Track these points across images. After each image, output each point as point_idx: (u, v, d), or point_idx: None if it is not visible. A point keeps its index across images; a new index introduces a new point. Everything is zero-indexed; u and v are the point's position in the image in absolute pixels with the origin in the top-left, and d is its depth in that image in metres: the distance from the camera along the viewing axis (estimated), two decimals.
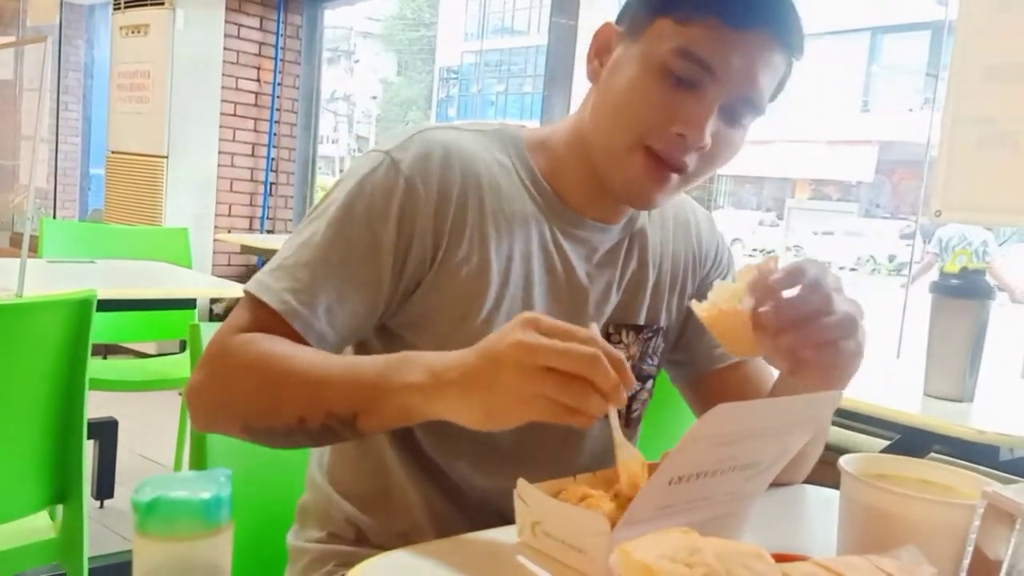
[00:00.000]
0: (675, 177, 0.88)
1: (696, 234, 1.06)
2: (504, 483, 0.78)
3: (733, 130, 0.88)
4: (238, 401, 0.83)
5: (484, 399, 0.69)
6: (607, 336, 0.97)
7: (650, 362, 1.01)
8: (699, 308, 0.79)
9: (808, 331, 0.75)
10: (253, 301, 0.85)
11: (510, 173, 0.93)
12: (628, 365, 0.69)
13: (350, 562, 0.72)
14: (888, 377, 2.02)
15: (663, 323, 1.02)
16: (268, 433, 0.82)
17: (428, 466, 0.92)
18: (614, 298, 0.97)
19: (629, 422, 1.01)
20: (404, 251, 0.86)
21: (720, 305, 0.77)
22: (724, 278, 1.07)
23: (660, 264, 1.02)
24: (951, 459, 1.77)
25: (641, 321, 1.00)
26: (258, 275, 0.87)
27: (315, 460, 1.01)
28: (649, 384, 1.02)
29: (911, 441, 1.62)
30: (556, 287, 0.94)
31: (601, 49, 0.92)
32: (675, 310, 1.03)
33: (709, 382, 1.05)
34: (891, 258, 14.86)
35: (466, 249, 0.88)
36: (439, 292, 0.88)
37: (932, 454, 1.74)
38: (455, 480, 0.93)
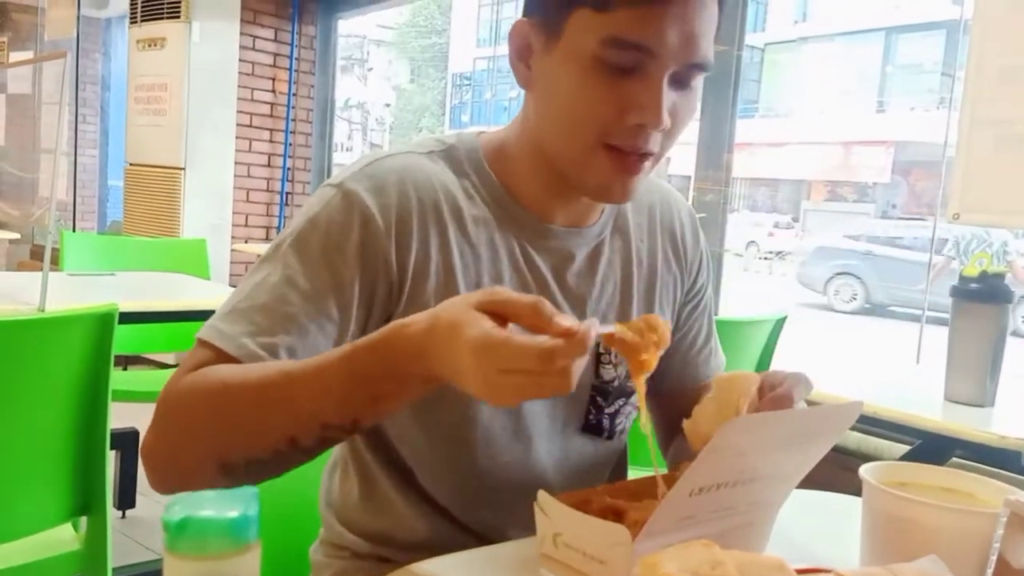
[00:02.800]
0: (646, 164, 0.84)
1: (682, 244, 1.03)
2: (511, 517, 0.75)
3: (686, 94, 0.84)
4: (208, 439, 0.75)
5: (476, 389, 0.65)
6: (598, 355, 0.94)
7: None
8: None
9: None
10: (207, 348, 0.78)
11: (470, 193, 0.89)
12: (579, 325, 0.62)
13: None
14: (908, 382, 2.01)
15: None
16: (251, 464, 0.74)
17: (435, 506, 0.91)
18: (596, 312, 0.94)
19: (613, 435, 0.98)
20: (370, 286, 0.82)
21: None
22: (701, 290, 1.05)
23: (647, 276, 0.99)
24: (973, 464, 1.75)
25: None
26: (211, 321, 0.81)
27: (323, 501, 0.99)
28: (634, 398, 0.98)
29: (932, 446, 1.62)
30: None
31: (522, 49, 0.86)
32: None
33: (678, 399, 1.00)
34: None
35: (433, 282, 0.85)
36: None
37: (954, 459, 1.73)
38: (462, 518, 0.92)
